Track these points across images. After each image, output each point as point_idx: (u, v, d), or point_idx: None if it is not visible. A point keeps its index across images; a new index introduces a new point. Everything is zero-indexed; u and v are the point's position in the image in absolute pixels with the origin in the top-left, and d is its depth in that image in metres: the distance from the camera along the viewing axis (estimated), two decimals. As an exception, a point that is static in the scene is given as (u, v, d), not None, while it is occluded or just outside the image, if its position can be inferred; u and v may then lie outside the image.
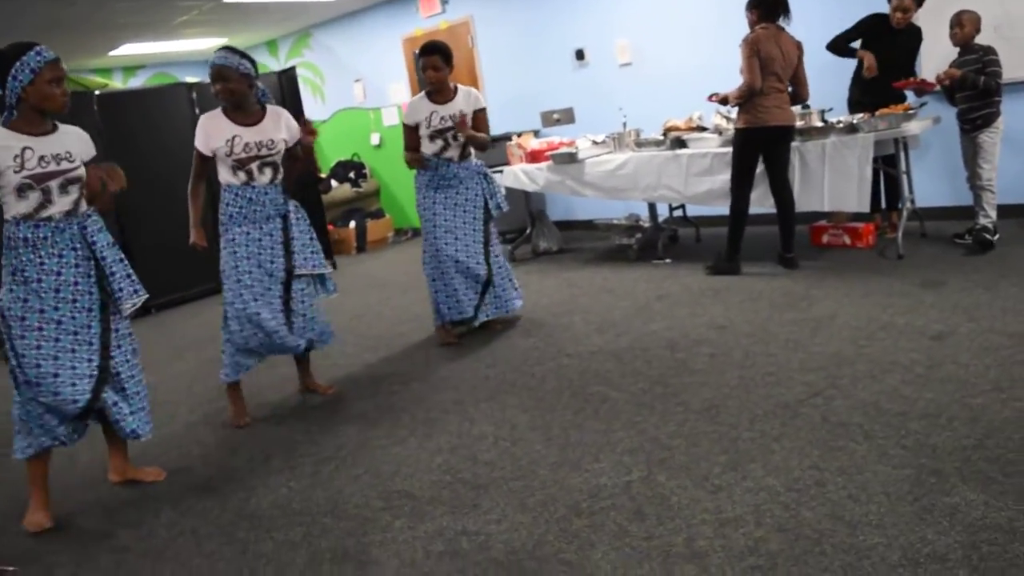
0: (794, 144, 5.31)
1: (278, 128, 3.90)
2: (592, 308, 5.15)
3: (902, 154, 5.42)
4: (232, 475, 3.50)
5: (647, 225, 6.58)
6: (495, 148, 7.32)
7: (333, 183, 9.48)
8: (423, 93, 4.69)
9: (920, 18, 5.69)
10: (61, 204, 3.13)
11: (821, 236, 5.94)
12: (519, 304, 5.00)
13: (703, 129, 6.07)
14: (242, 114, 3.83)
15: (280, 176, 3.97)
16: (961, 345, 3.63)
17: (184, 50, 10.19)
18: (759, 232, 5.99)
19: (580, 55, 7.72)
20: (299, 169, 4.14)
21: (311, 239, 4.11)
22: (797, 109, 5.42)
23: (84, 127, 6.82)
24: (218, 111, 3.85)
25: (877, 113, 5.24)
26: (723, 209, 5.53)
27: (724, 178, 5.50)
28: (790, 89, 5.24)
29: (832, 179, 5.17)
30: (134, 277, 3.37)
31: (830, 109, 5.78)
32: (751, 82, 5.03)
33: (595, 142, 6.46)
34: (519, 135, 7.20)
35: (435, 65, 4.55)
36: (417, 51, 4.77)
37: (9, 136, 3.03)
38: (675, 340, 4.27)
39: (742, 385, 3.54)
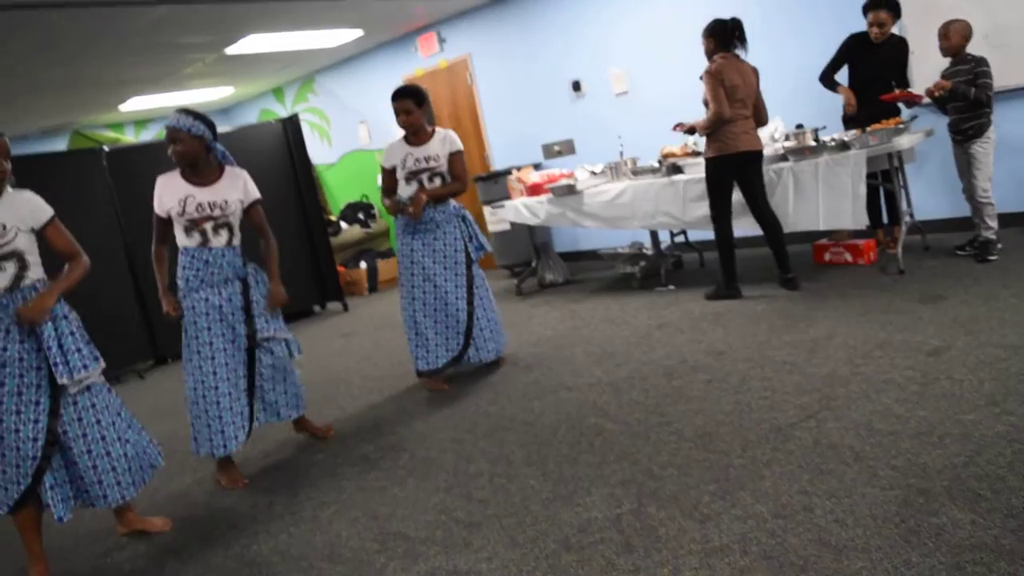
0: (787, 164, 5.33)
1: (234, 188, 3.89)
2: (593, 339, 5.17)
3: (897, 168, 5.42)
4: (236, 522, 3.54)
5: (650, 253, 6.60)
6: (496, 183, 7.43)
7: (343, 225, 9.60)
8: (401, 136, 4.71)
9: (909, 28, 5.73)
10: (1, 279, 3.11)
11: (823, 254, 5.93)
12: (501, 351, 4.97)
13: (698, 155, 6.10)
14: (197, 175, 3.82)
15: (237, 239, 3.94)
16: (957, 360, 3.61)
17: (193, 101, 10.41)
18: (758, 254, 6.00)
19: (577, 86, 7.81)
20: (271, 255, 4.07)
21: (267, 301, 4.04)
22: (769, 132, 5.47)
23: (94, 183, 7.01)
24: (175, 172, 3.83)
25: (868, 129, 5.26)
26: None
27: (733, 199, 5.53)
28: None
29: (827, 197, 5.17)
30: (83, 351, 3.28)
31: (823, 127, 5.79)
32: (720, 111, 5.09)
33: (593, 172, 6.52)
34: (519, 169, 7.26)
35: (406, 109, 4.57)
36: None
37: None
38: (673, 368, 4.28)
39: (736, 411, 3.54)
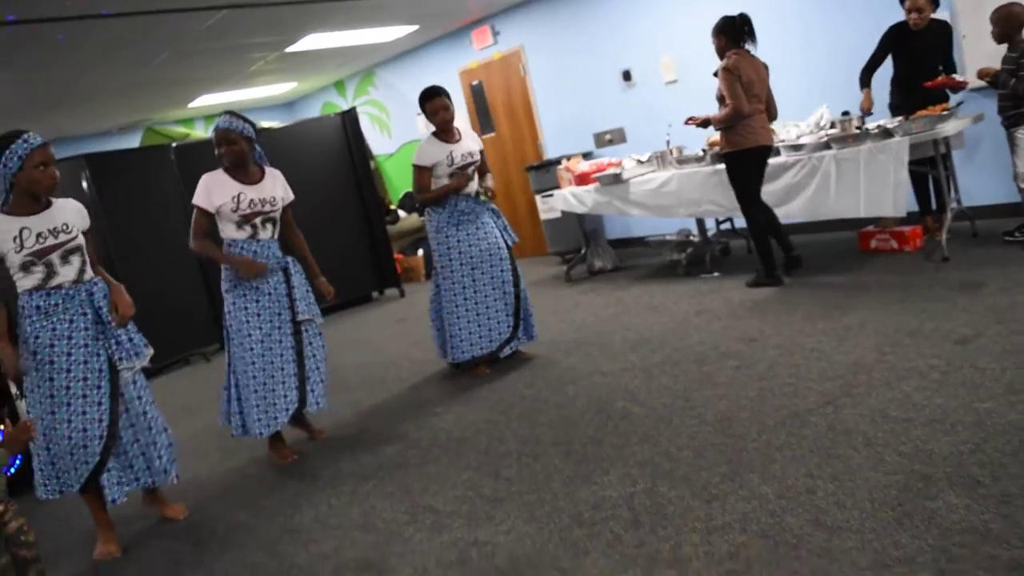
0: (830, 152, 5.34)
1: (278, 187, 4.18)
2: (633, 325, 5.29)
3: (943, 155, 5.39)
4: (283, 495, 3.80)
5: (696, 240, 6.67)
6: (548, 173, 7.58)
7: (401, 213, 9.87)
8: (430, 135, 4.83)
9: (961, 12, 5.67)
10: (65, 273, 3.40)
11: (869, 241, 5.92)
12: (535, 337, 5.13)
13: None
14: (244, 173, 4.07)
15: (278, 231, 4.20)
16: (984, 349, 3.64)
17: (260, 96, 10.80)
18: (802, 241, 6.02)
19: (627, 76, 7.88)
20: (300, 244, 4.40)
21: (308, 291, 4.29)
22: (815, 119, 5.51)
23: (162, 179, 7.38)
24: (219, 171, 4.07)
25: (912, 116, 5.24)
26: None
27: (769, 188, 5.59)
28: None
29: (868, 185, 5.18)
30: (136, 339, 3.60)
31: (871, 114, 5.78)
32: (739, 106, 5.19)
33: (640, 161, 6.61)
34: (568, 159, 7.39)
35: (445, 106, 4.76)
36: (421, 98, 4.84)
37: (6, 220, 3.30)
38: (705, 354, 4.38)
39: (759, 396, 3.64)
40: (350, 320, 7.88)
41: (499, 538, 2.89)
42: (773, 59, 6.65)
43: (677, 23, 7.36)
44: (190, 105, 10.19)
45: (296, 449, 4.37)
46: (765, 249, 5.48)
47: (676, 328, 5.01)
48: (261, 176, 4.13)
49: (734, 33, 5.32)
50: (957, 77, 5.33)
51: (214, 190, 4.02)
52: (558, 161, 7.58)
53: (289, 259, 4.25)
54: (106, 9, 5.37)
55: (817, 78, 6.54)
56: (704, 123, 5.51)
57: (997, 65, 5.15)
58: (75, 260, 3.45)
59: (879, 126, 5.36)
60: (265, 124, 9.11)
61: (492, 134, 9.27)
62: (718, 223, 6.95)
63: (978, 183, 6.00)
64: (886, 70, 5.74)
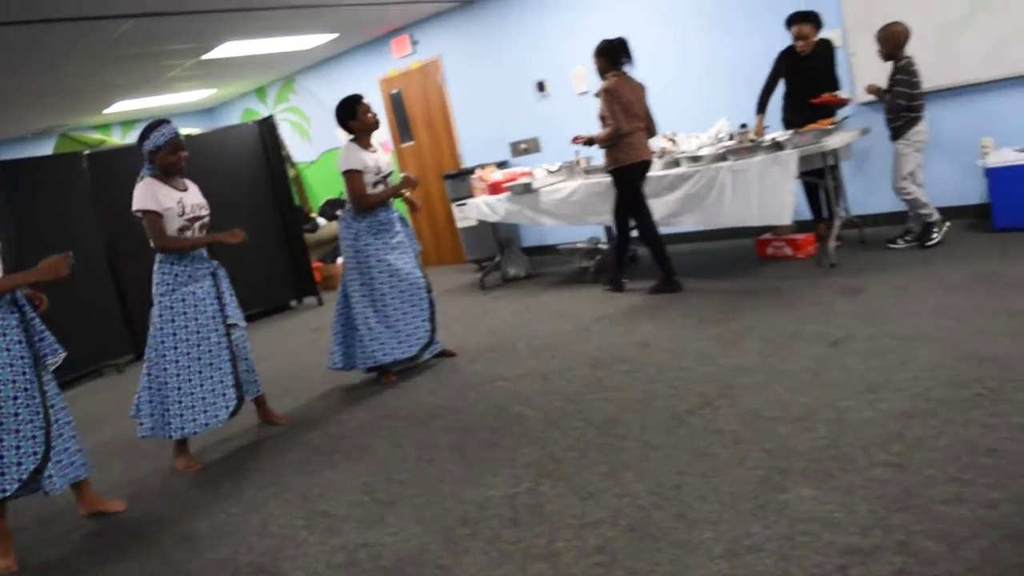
0: (726, 164, 5.59)
1: (200, 194, 4.33)
2: (538, 331, 5.46)
3: (831, 166, 5.69)
4: (184, 503, 3.84)
5: (605, 248, 6.88)
6: (463, 181, 7.71)
7: (321, 221, 9.90)
8: (350, 143, 4.91)
9: (850, 30, 6.00)
10: None
11: (766, 248, 6.20)
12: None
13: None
14: (176, 181, 4.19)
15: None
16: (853, 350, 3.88)
17: (179, 102, 10.71)
18: (703, 248, 6.27)
19: (541, 86, 8.07)
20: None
21: (233, 295, 4.42)
22: (715, 131, 5.79)
23: (75, 186, 7.28)
24: (151, 179, 4.10)
25: (801, 130, 5.53)
26: (673, 228, 5.89)
27: (669, 199, 5.82)
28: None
29: (761, 195, 5.43)
30: (50, 338, 3.67)
31: (767, 127, 6.07)
32: (618, 126, 5.50)
33: (550, 171, 6.79)
34: (482, 168, 7.54)
35: (371, 110, 4.92)
36: (348, 104, 4.91)
37: None
38: (601, 359, 4.57)
39: (644, 399, 3.83)
40: (267, 329, 7.89)
41: (387, 539, 3.00)
42: (677, 74, 6.97)
43: (588, 35, 7.51)
44: (106, 111, 10.06)
45: (201, 458, 4.41)
46: (661, 257, 5.72)
47: (578, 334, 5.19)
48: (186, 185, 4.26)
49: (613, 56, 5.63)
50: (840, 94, 5.65)
51: (158, 194, 4.08)
52: (472, 170, 7.72)
53: (215, 263, 4.36)
54: (11, 16, 5.33)
55: (718, 92, 6.81)
56: (588, 141, 5.79)
57: (879, 78, 5.48)
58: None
59: (772, 139, 5.64)
60: (184, 131, 9.05)
61: (411, 143, 9.37)
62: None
63: (869, 193, 6.33)
64: (781, 90, 6.05)
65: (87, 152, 7.57)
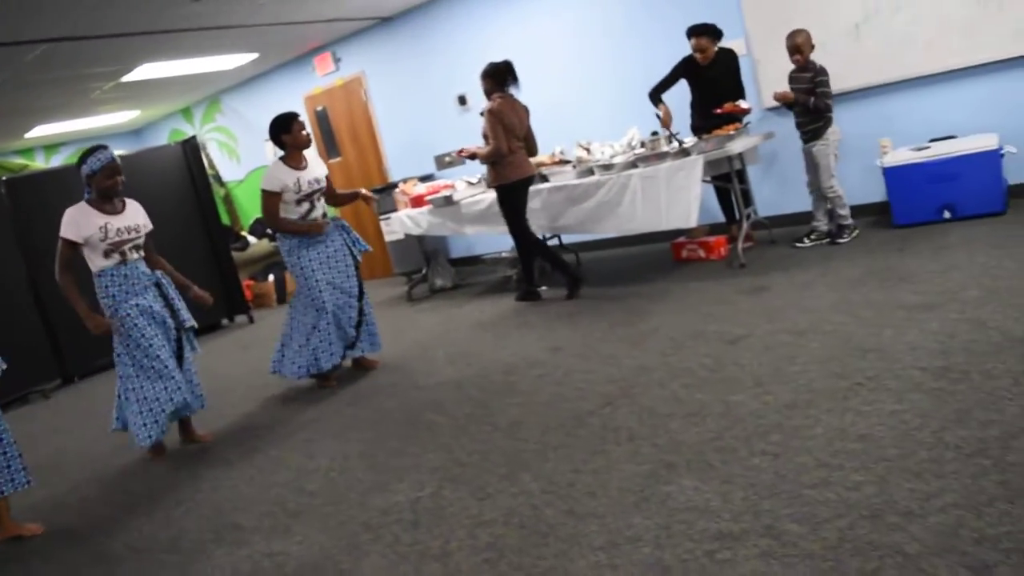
0: (636, 171, 5.77)
1: (139, 215, 4.47)
2: (457, 341, 5.56)
3: (737, 170, 5.90)
4: (99, 523, 3.87)
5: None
6: (389, 196, 7.80)
7: (251, 239, 9.89)
8: (277, 161, 5.03)
9: (753, 38, 6.24)
10: None
11: (681, 251, 6.39)
12: (379, 349, 5.40)
13: (567, 163, 6.53)
14: (110, 204, 4.33)
15: (142, 255, 4.48)
16: (749, 347, 4.06)
17: (104, 124, 10.61)
18: (621, 254, 6.44)
19: (463, 100, 8.21)
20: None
21: (179, 299, 4.61)
22: (627, 139, 6.01)
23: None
24: (83, 204, 4.29)
25: (703, 137, 5.73)
26: (593, 236, 6.08)
27: (584, 207, 5.99)
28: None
29: (669, 200, 5.62)
30: None
31: (677, 133, 6.25)
32: (500, 147, 5.80)
33: (470, 183, 6.91)
34: (404, 182, 7.64)
35: (305, 128, 5.07)
36: (284, 120, 5.03)
37: None
38: (515, 364, 4.69)
39: (550, 401, 3.95)
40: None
41: (292, 548, 3.08)
42: (593, 83, 7.13)
43: (505, 50, 7.68)
44: (27, 135, 9.94)
45: (121, 480, 4.44)
46: (529, 267, 6.15)
47: (496, 341, 5.31)
48: (124, 206, 4.38)
49: (499, 78, 5.89)
50: (742, 104, 5.86)
51: (81, 222, 4.23)
52: (395, 185, 7.82)
53: (158, 273, 4.54)
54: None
55: (631, 101, 6.99)
56: (472, 156, 6.06)
57: (784, 85, 5.71)
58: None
59: (679, 145, 5.82)
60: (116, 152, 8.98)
61: (338, 159, 9.44)
62: (544, 239, 7.31)
63: (778, 195, 6.57)
64: (685, 95, 6.25)
65: (4, 178, 7.49)
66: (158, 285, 4.51)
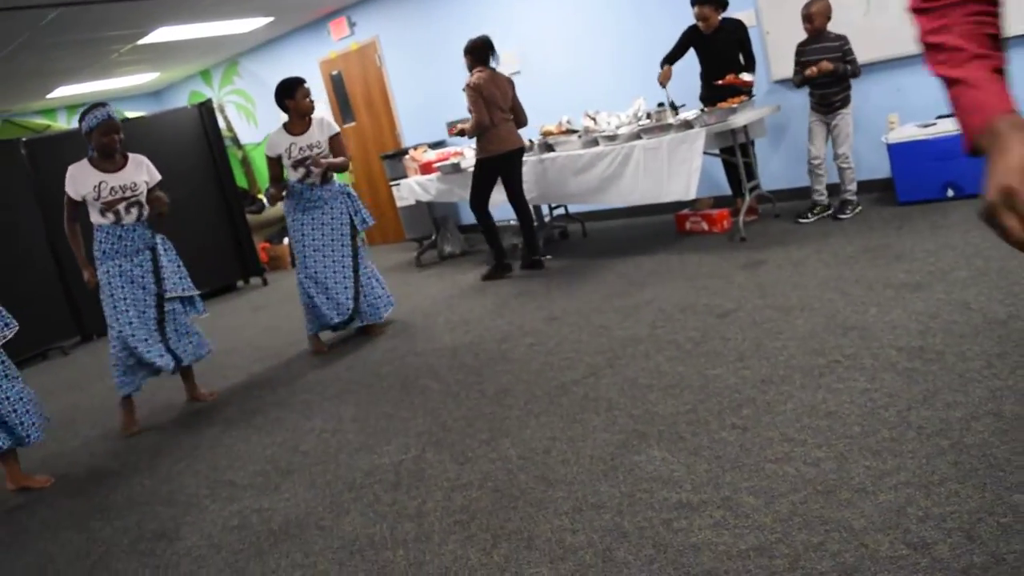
0: (640, 142, 5.80)
1: (140, 172, 4.52)
2: (458, 308, 5.67)
3: (741, 144, 5.91)
4: (103, 477, 4.05)
5: (535, 224, 7.08)
6: (400, 162, 7.87)
7: (267, 202, 10.02)
8: (280, 127, 5.18)
9: (764, 10, 6.20)
10: None
11: (684, 223, 6.43)
12: (388, 311, 5.51)
13: (573, 132, 6.57)
14: (109, 162, 4.43)
15: (145, 213, 4.55)
16: (737, 321, 4.12)
17: (124, 86, 10.75)
18: (625, 224, 6.49)
19: (475, 67, 8.22)
20: (160, 212, 4.64)
21: (179, 267, 4.70)
22: (633, 110, 6.04)
23: (13, 173, 7.39)
24: (84, 162, 4.42)
25: (707, 109, 5.75)
26: (598, 206, 6.13)
27: (588, 176, 6.04)
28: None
29: (670, 172, 5.66)
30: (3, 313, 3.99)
31: (683, 105, 6.28)
32: (480, 120, 5.89)
33: (478, 151, 6.96)
34: (415, 148, 7.71)
35: (309, 95, 5.15)
36: (289, 84, 5.12)
37: None
38: (510, 333, 4.79)
39: (540, 370, 4.05)
40: (209, 309, 7.98)
41: (279, 504, 3.22)
42: (600, 54, 7.14)
43: (520, 16, 7.74)
44: (49, 96, 10.09)
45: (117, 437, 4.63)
46: (495, 243, 6.26)
47: (495, 309, 5.41)
48: (124, 164, 4.47)
49: (478, 54, 5.99)
50: (745, 77, 5.84)
51: (79, 179, 4.38)
52: (405, 151, 7.89)
53: (159, 238, 4.64)
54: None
55: (637, 72, 7.00)
56: (460, 132, 6.14)
57: (789, 57, 5.69)
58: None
59: (685, 117, 5.85)
60: (130, 114, 9.13)
61: (353, 123, 9.51)
62: (551, 208, 7.38)
63: (786, 168, 6.57)
64: (696, 65, 6.25)
65: (25, 139, 7.65)
66: (152, 249, 4.60)
